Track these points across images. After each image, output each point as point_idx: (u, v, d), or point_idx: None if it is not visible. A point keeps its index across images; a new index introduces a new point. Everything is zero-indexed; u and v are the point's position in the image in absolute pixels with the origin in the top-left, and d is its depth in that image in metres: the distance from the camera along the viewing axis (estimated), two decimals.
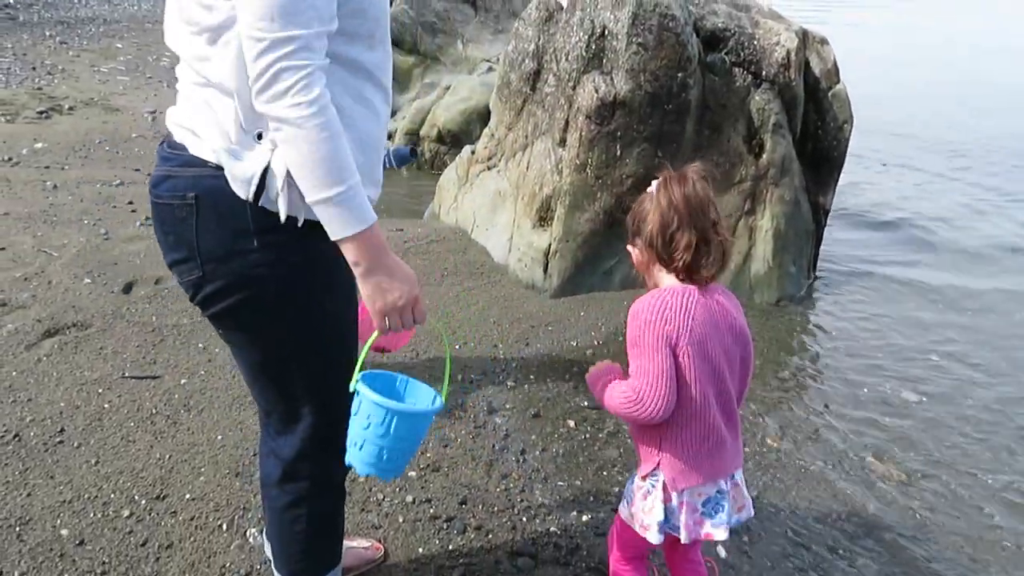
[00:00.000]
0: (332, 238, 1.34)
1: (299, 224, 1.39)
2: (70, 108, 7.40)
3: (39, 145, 6.13)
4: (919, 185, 6.89)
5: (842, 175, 4.56)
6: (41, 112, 7.09)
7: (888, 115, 9.14)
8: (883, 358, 3.76)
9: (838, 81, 4.48)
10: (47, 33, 12.02)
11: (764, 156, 4.16)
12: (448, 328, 3.62)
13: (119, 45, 11.82)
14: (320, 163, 1.28)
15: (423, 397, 1.63)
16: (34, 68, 9.32)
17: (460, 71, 7.62)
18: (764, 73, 4.16)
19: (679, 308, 1.57)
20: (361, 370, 1.49)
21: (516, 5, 8.34)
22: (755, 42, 4.19)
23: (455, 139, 6.64)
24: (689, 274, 1.62)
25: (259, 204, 1.38)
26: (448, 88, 7.06)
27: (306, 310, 1.47)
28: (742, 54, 4.17)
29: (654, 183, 1.68)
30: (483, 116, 6.54)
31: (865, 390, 3.44)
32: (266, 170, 1.35)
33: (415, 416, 1.48)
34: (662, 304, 1.58)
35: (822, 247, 4.62)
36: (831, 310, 4.24)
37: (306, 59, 1.25)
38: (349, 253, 1.35)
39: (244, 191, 1.36)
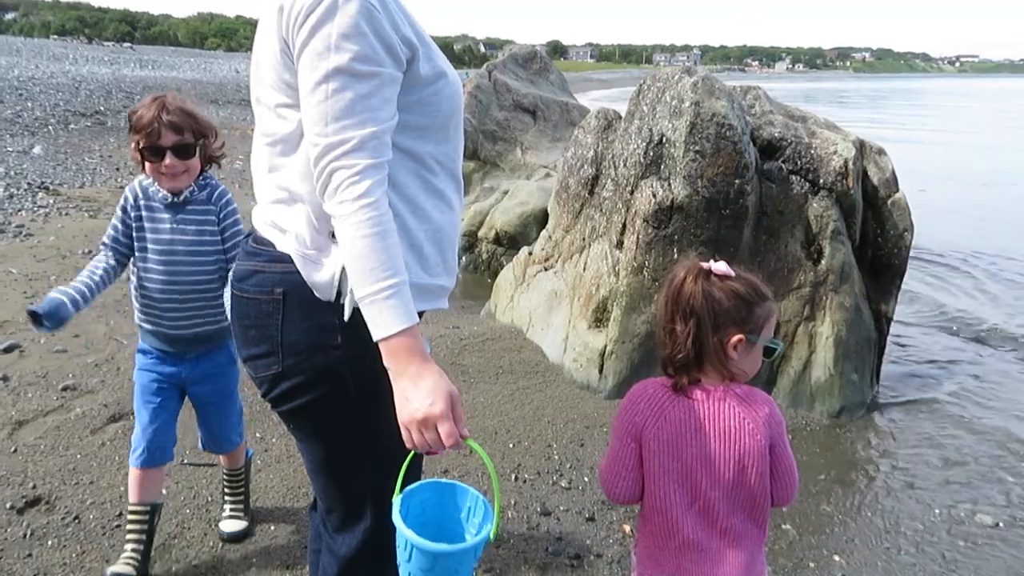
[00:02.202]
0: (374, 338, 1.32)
1: None
2: None
3: None
4: (985, 292, 6.74)
5: (904, 282, 4.49)
6: None
7: (948, 223, 9.05)
8: (954, 476, 3.58)
9: (897, 190, 4.49)
10: None
11: (823, 262, 4.14)
12: (494, 446, 3.60)
13: None
14: (355, 260, 1.29)
15: (478, 510, 1.47)
16: (118, 169, 9.95)
17: (518, 176, 7.85)
18: (822, 181, 4.20)
19: (652, 402, 1.59)
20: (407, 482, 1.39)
21: (573, 115, 8.64)
22: (812, 151, 4.25)
23: (512, 241, 6.78)
24: (664, 369, 1.62)
25: (340, 302, 1.39)
26: (507, 192, 7.27)
27: (384, 409, 1.37)
28: (799, 162, 4.23)
29: None
30: (540, 219, 6.69)
31: (936, 511, 3.26)
32: (343, 270, 1.37)
33: (457, 554, 1.31)
34: (639, 395, 1.62)
35: (887, 355, 4.51)
36: (897, 423, 4.09)
37: (358, 158, 1.29)
38: (383, 356, 1.32)
39: (325, 294, 1.40)
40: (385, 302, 1.29)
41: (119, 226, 2.33)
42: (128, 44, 74.15)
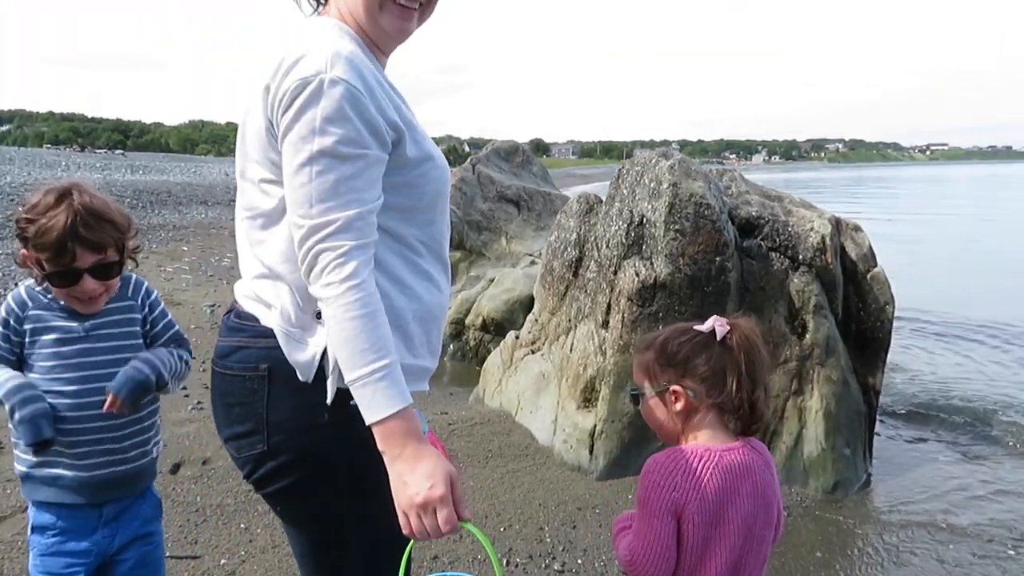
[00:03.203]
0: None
1: None
2: None
3: None
4: (971, 364, 6.77)
5: (889, 355, 4.52)
6: None
7: (925, 293, 9.18)
8: (951, 555, 3.50)
9: (875, 265, 4.58)
10: None
11: (808, 336, 4.18)
12: (493, 533, 3.53)
13: (185, 248, 12.67)
14: (345, 342, 1.27)
15: None
16: None
17: (504, 264, 7.96)
18: (801, 257, 4.28)
19: (688, 473, 1.48)
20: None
21: (556, 204, 8.84)
22: (789, 228, 4.35)
23: (499, 327, 6.80)
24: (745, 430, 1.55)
25: (323, 382, 1.37)
26: (493, 280, 7.35)
27: (375, 493, 1.33)
28: (778, 239, 4.33)
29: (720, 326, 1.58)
30: (526, 305, 6.74)
31: None
32: (324, 351, 1.36)
33: None
34: (671, 468, 1.49)
35: (878, 430, 4.49)
36: (893, 498, 4.02)
37: (343, 240, 1.29)
38: (376, 440, 1.28)
39: (305, 374, 1.38)
40: (377, 384, 1.27)
41: (2, 345, 1.81)
42: (120, 151, 75.77)
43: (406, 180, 1.40)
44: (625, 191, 4.39)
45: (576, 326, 4.51)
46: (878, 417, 4.50)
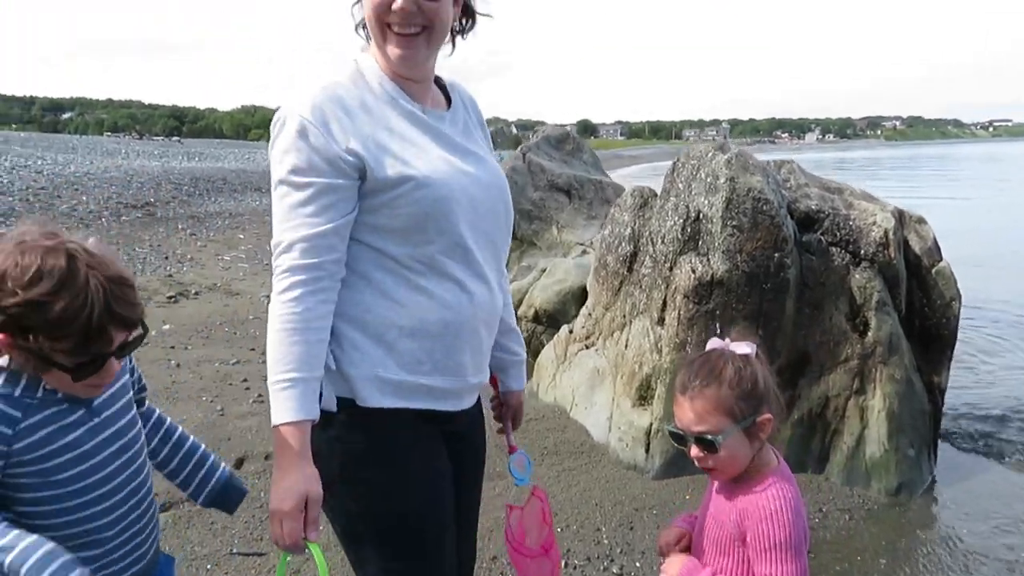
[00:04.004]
0: None
1: (364, 406, 1.52)
2: (196, 293, 8.04)
3: (167, 327, 6.62)
4: None
5: (955, 352, 4.38)
6: (170, 297, 7.73)
7: (989, 284, 8.87)
8: (1022, 560, 3.40)
9: (940, 259, 4.44)
10: (180, 226, 13.31)
11: (870, 334, 4.07)
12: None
13: (241, 236, 12.93)
14: (268, 351, 1.46)
15: None
16: (166, 257, 10.26)
17: (555, 254, 7.92)
18: (862, 252, 4.17)
19: (801, 501, 1.51)
20: None
21: (608, 193, 8.75)
22: (851, 222, 4.24)
23: (551, 319, 6.78)
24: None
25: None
26: (544, 270, 7.32)
27: (365, 494, 1.54)
28: (838, 234, 4.22)
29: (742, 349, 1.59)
30: (578, 296, 6.69)
31: None
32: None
33: None
34: (796, 499, 1.49)
35: (943, 430, 4.37)
36: (959, 501, 3.90)
37: (286, 259, 1.45)
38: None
39: None
40: (279, 393, 1.43)
41: None
42: (176, 138, 77.52)
43: (381, 201, 1.49)
44: (680, 185, 4.32)
45: (631, 322, 4.47)
46: (943, 417, 4.37)
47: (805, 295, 4.13)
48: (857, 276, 4.14)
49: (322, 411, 1.49)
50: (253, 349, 6.11)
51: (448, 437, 1.69)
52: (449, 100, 1.73)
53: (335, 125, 1.47)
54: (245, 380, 5.30)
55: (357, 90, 1.55)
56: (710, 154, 4.24)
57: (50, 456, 1.36)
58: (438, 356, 1.56)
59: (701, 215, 4.11)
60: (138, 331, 1.41)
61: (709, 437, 1.51)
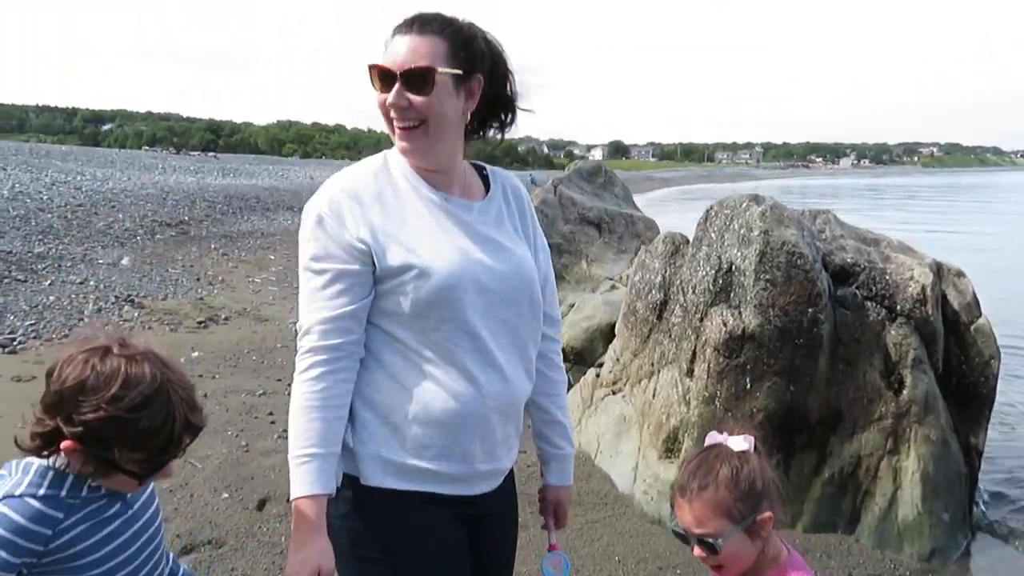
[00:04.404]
0: None
1: (367, 484, 1.57)
2: (225, 318, 8.13)
3: (196, 354, 6.69)
4: None
5: (993, 413, 4.28)
6: (200, 322, 7.82)
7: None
8: None
9: (979, 315, 4.34)
10: (212, 246, 13.50)
11: (905, 392, 3.99)
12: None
13: (272, 256, 13.08)
14: (289, 426, 1.54)
15: None
16: (198, 279, 10.39)
17: (584, 289, 7.90)
18: (899, 307, 4.09)
19: None
20: None
21: (638, 227, 8.73)
22: (887, 276, 4.17)
23: (579, 356, 6.75)
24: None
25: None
26: (572, 305, 7.30)
27: (368, 572, 1.60)
28: (874, 288, 4.15)
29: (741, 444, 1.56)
30: (606, 334, 6.66)
31: None
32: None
33: None
34: None
35: (979, 493, 4.25)
36: (995, 573, 3.79)
37: (306, 341, 1.55)
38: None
39: None
40: (298, 468, 1.51)
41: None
42: (212, 153, 78.90)
43: (389, 287, 1.56)
44: (713, 235, 4.28)
45: (659, 371, 4.42)
46: (980, 480, 4.26)
47: (839, 351, 4.06)
48: (893, 332, 4.06)
49: (340, 485, 1.57)
50: (280, 380, 6.14)
51: (469, 521, 1.68)
52: (489, 188, 1.75)
53: (348, 216, 1.56)
54: (271, 413, 5.32)
55: (376, 183, 1.62)
56: (744, 204, 4.20)
57: (86, 551, 1.37)
58: (443, 442, 1.59)
59: (734, 267, 4.07)
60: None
61: (710, 540, 1.51)
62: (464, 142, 1.69)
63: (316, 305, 1.55)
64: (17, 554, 1.28)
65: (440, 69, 1.53)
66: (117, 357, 1.32)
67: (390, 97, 1.54)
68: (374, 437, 1.58)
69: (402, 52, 1.54)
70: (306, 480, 1.50)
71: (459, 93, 1.59)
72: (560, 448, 1.89)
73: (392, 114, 1.57)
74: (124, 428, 1.29)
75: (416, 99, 1.54)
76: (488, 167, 1.81)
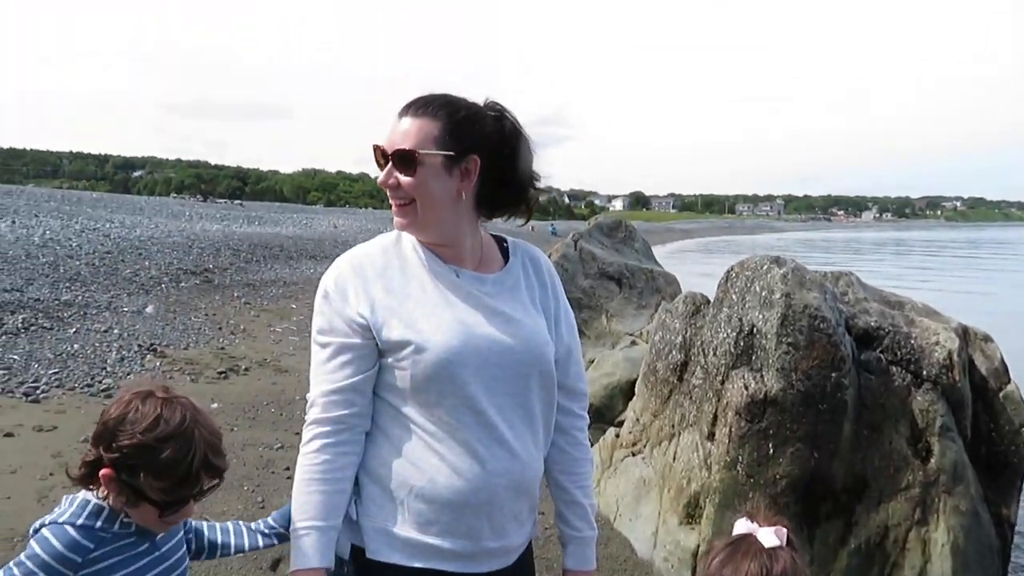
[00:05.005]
0: None
1: (372, 558, 1.58)
2: (245, 369, 8.14)
3: (215, 405, 6.69)
4: None
5: None
6: (221, 372, 7.84)
7: None
8: None
9: (1008, 381, 4.26)
10: (235, 294, 13.61)
11: (932, 461, 3.90)
12: None
13: (294, 305, 13.15)
14: (292, 499, 1.57)
15: None
16: (220, 328, 10.46)
17: (604, 344, 7.86)
18: (925, 373, 4.03)
19: None
20: None
21: (659, 282, 8.71)
22: (912, 341, 4.11)
23: (598, 413, 6.68)
24: None
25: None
26: (592, 361, 7.26)
27: None
28: (899, 353, 4.09)
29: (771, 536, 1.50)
30: (626, 391, 6.61)
31: None
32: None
33: None
34: None
35: (1012, 567, 4.11)
36: None
37: (311, 413, 1.59)
38: None
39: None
40: (297, 540, 1.54)
41: None
42: (238, 201, 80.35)
43: (390, 362, 1.58)
44: (734, 296, 4.26)
45: (680, 433, 4.36)
46: (1013, 553, 4.12)
47: (863, 416, 3.98)
48: (919, 398, 3.99)
49: (337, 557, 1.59)
50: (298, 433, 6.03)
51: None
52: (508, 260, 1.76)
53: (351, 291, 1.61)
54: (288, 468, 5.28)
55: (383, 258, 1.66)
56: (765, 267, 4.18)
57: None
58: (448, 519, 1.58)
59: (755, 329, 4.03)
60: (218, 480, 1.62)
61: None
62: (480, 218, 1.70)
63: (321, 378, 1.60)
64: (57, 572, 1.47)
65: (422, 151, 1.57)
66: (156, 399, 1.55)
67: (382, 175, 1.61)
68: (380, 511, 1.59)
69: (395, 133, 1.60)
70: (305, 553, 1.52)
71: (451, 173, 1.60)
72: (580, 531, 1.83)
73: (387, 190, 1.63)
74: (151, 456, 1.49)
75: (403, 179, 1.59)
76: (509, 239, 1.82)
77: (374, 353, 1.58)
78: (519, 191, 1.70)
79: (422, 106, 1.60)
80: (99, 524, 1.53)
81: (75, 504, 1.55)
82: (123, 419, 1.52)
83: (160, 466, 1.49)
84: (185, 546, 1.72)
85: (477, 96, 1.68)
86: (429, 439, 1.57)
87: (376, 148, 1.63)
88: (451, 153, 1.58)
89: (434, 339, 1.55)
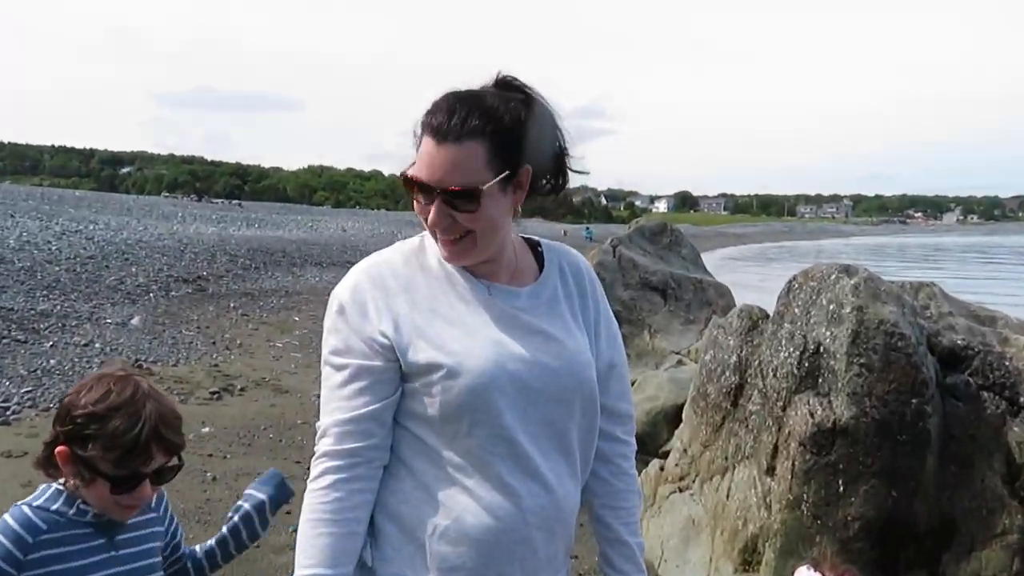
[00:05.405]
0: None
1: None
2: (241, 389, 8.20)
3: (206, 430, 6.73)
4: None
5: None
6: (214, 392, 7.90)
7: None
8: None
9: None
10: (231, 305, 13.77)
11: None
12: None
13: (296, 318, 13.27)
14: (297, 540, 1.53)
15: None
16: (214, 342, 10.56)
17: (646, 364, 7.81)
18: (1022, 400, 3.92)
19: None
20: None
21: (709, 294, 8.64)
22: (1006, 362, 4.00)
23: (639, 442, 6.56)
24: None
25: None
26: (634, 383, 7.20)
27: None
28: (991, 376, 3.98)
29: None
30: (671, 418, 6.55)
31: None
32: None
33: None
34: None
35: None
36: None
37: (321, 445, 1.55)
38: None
39: None
40: None
41: None
42: (236, 201, 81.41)
43: (415, 387, 1.55)
44: (797, 310, 4.18)
45: (734, 467, 4.29)
46: None
47: (950, 449, 3.89)
48: (1016, 429, 3.89)
49: None
50: (299, 462, 6.12)
51: None
52: (543, 268, 1.73)
53: (371, 306, 1.57)
54: (288, 504, 5.28)
55: (406, 269, 1.63)
56: (833, 276, 4.10)
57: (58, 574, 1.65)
58: (476, 563, 1.55)
59: (822, 348, 3.95)
60: (175, 461, 1.74)
61: None
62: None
63: (334, 404, 1.56)
64: (6, 560, 1.60)
65: (485, 186, 1.51)
66: (112, 376, 1.71)
67: (432, 216, 1.53)
68: (398, 554, 1.56)
69: (438, 166, 1.51)
70: None
71: (506, 192, 1.57)
72: (626, 574, 1.78)
73: (434, 227, 1.56)
74: (101, 424, 1.63)
75: (462, 216, 1.52)
76: (544, 243, 1.78)
77: (396, 377, 1.56)
78: (562, 178, 1.68)
79: (461, 126, 1.51)
80: (55, 507, 1.69)
81: (39, 490, 1.73)
82: (78, 394, 1.69)
83: (109, 435, 1.63)
84: (161, 570, 1.82)
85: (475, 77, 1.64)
86: (456, 473, 1.54)
87: (409, 179, 1.55)
88: (507, 172, 1.54)
89: (467, 363, 1.53)
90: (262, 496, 2.03)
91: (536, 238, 1.79)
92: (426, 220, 1.56)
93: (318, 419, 1.59)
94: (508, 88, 1.61)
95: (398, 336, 1.54)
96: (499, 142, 1.52)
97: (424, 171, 1.52)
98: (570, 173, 1.70)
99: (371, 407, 1.54)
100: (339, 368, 1.56)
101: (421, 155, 1.54)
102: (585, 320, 1.73)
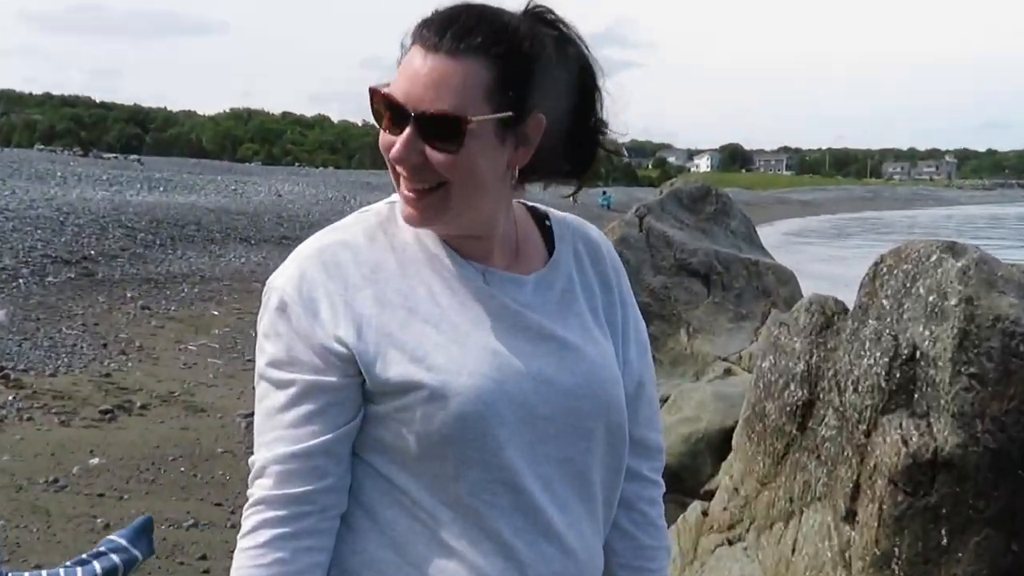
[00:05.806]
0: None
1: None
2: (142, 407, 8.25)
3: (95, 461, 6.77)
4: None
5: None
6: (105, 412, 7.95)
7: None
8: None
9: None
10: (128, 294, 13.81)
11: None
12: None
13: (215, 312, 13.32)
14: None
15: None
16: (105, 345, 10.59)
17: (683, 375, 7.85)
18: None
19: None
20: None
21: (767, 280, 8.68)
22: None
23: (675, 478, 6.65)
24: None
25: None
26: (667, 400, 7.23)
27: None
28: None
29: None
30: (716, 447, 6.59)
31: None
32: None
33: None
34: None
35: None
36: None
37: (255, 488, 1.51)
38: None
39: None
40: None
41: None
42: (135, 157, 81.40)
43: (385, 411, 1.52)
44: (885, 302, 4.21)
45: (802, 511, 4.34)
46: None
47: None
48: None
49: None
50: (220, 504, 6.17)
51: None
52: (553, 249, 1.70)
53: (324, 303, 1.52)
54: (204, 557, 5.33)
55: (372, 250, 1.58)
56: (933, 257, 4.13)
57: None
58: None
59: (918, 353, 3.99)
60: None
61: None
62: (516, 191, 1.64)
63: (274, 434, 1.51)
64: None
65: (476, 118, 1.45)
66: None
67: (397, 148, 1.47)
68: None
69: (422, 80, 1.46)
70: None
71: (505, 142, 1.52)
72: None
73: (399, 168, 1.51)
74: None
75: (436, 156, 1.46)
76: (553, 215, 1.75)
77: (358, 397, 1.52)
78: (583, 149, 1.64)
79: (464, 34, 1.47)
80: None
81: None
82: None
83: None
84: None
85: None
86: (439, 530, 1.52)
87: (379, 96, 1.50)
88: (510, 113, 1.49)
89: (457, 381, 1.48)
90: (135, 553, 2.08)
91: (543, 208, 1.76)
92: (388, 158, 1.51)
93: (250, 451, 1.55)
94: (540, 21, 1.57)
95: (361, 344, 1.50)
96: (509, 71, 1.48)
97: (401, 86, 1.48)
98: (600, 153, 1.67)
99: (323, 437, 1.50)
100: (280, 385, 1.51)
101: (402, 68, 1.49)
102: (609, 321, 1.71)
